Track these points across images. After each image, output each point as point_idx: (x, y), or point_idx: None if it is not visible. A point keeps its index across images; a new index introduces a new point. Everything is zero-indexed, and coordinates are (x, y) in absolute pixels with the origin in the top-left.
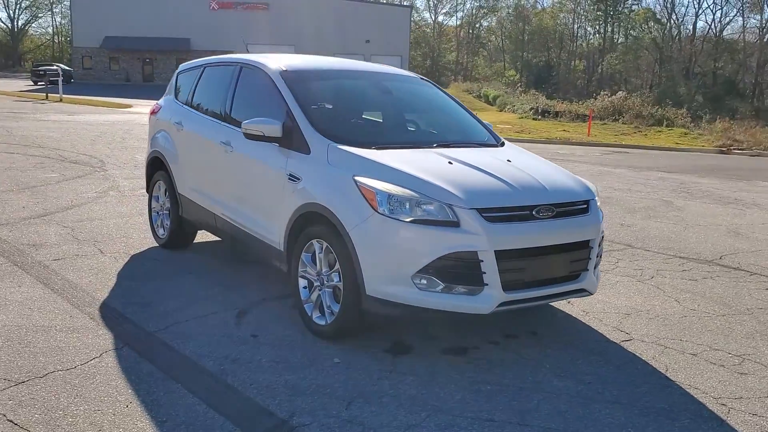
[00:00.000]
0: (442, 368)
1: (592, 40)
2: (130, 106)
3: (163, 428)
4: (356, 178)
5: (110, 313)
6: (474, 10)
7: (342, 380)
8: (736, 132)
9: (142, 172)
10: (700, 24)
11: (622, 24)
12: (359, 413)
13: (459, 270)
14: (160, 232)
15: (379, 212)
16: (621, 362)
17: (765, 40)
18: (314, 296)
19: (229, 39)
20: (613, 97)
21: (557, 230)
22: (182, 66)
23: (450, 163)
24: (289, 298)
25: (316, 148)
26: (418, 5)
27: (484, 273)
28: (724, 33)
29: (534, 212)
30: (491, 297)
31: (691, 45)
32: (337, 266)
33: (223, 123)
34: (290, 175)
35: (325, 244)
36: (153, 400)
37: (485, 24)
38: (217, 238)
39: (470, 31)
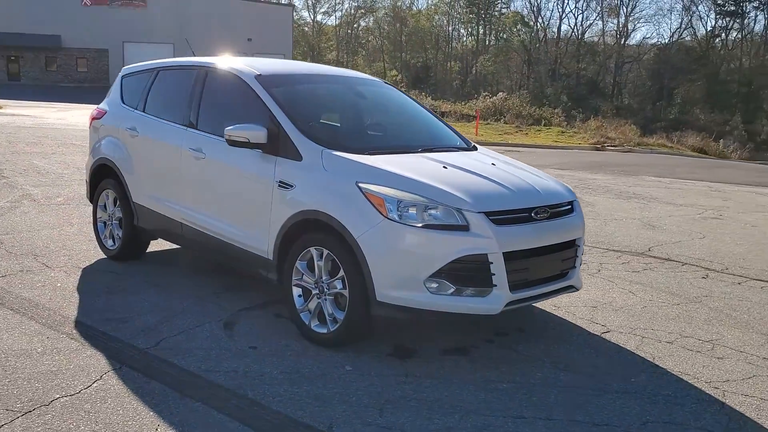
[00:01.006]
0: (452, 369)
1: (465, 42)
2: (0, 107)
3: None
4: (360, 184)
5: (89, 331)
6: (352, 10)
7: (363, 387)
8: (607, 130)
9: (49, 179)
10: (564, 27)
11: (493, 27)
12: (395, 419)
13: (470, 272)
14: (109, 243)
15: (389, 218)
16: (611, 353)
17: (622, 42)
18: (312, 305)
19: (104, 36)
20: (495, 97)
21: (553, 231)
22: (126, 69)
23: (445, 167)
24: (269, 306)
25: (308, 155)
26: (296, 4)
27: (494, 274)
28: (586, 36)
29: (533, 214)
30: (500, 297)
31: (557, 47)
32: (341, 273)
33: (189, 129)
34: (280, 182)
35: (325, 252)
36: (181, 421)
37: (363, 24)
38: (171, 248)
39: (349, 30)
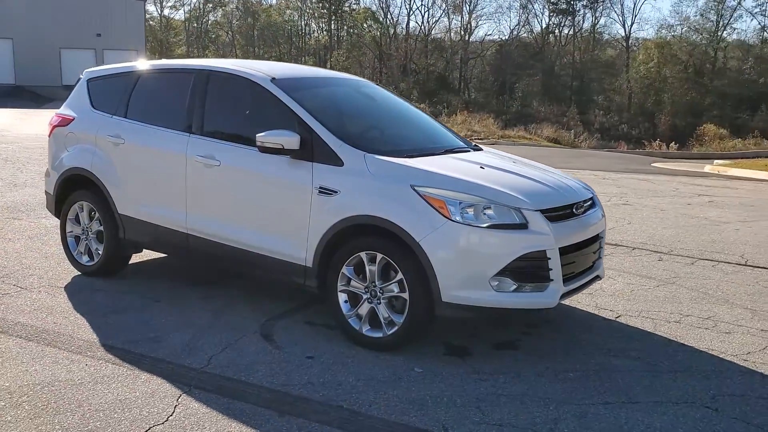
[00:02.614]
0: (513, 363)
1: (318, 37)
2: None
3: None
4: (417, 188)
5: (125, 355)
6: (200, 4)
7: (446, 387)
8: (472, 124)
9: None
10: (412, 24)
11: (345, 22)
12: (499, 416)
13: (530, 269)
14: (84, 259)
15: (452, 220)
16: (639, 336)
17: (466, 39)
18: (362, 310)
19: None
20: None
21: (588, 224)
22: (91, 72)
23: (482, 168)
24: (294, 314)
25: (350, 160)
26: None
27: (551, 270)
28: (433, 32)
29: (574, 210)
30: (556, 291)
31: (406, 43)
32: (398, 276)
33: (194, 135)
34: (321, 188)
35: (379, 256)
36: None
37: (213, 18)
38: (143, 260)
39: (195, 24)
